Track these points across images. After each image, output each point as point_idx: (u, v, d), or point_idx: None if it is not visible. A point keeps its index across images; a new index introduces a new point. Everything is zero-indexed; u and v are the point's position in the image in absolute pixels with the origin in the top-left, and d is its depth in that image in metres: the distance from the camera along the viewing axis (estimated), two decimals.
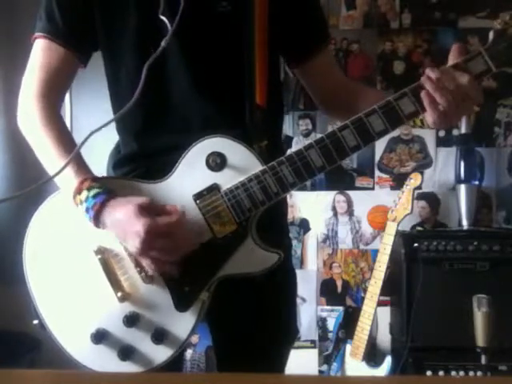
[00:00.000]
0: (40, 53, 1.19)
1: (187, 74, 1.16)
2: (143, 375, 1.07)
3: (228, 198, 1.09)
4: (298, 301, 2.84)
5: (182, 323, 1.11)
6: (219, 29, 1.17)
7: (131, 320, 1.11)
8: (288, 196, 3.05)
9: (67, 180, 1.11)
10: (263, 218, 1.12)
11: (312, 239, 2.87)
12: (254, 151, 1.10)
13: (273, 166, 1.09)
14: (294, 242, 2.85)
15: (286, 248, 1.14)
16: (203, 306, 1.11)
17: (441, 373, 2.37)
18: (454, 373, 2.38)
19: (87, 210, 1.07)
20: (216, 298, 1.13)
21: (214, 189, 1.10)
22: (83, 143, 1.02)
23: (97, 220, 1.07)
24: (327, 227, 2.87)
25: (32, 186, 0.91)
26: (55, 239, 1.17)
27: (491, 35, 1.07)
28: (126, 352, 1.12)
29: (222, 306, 1.14)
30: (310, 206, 2.86)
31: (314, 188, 2.85)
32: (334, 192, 2.85)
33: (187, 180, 1.11)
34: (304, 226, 2.87)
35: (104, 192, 1.08)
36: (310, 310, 2.85)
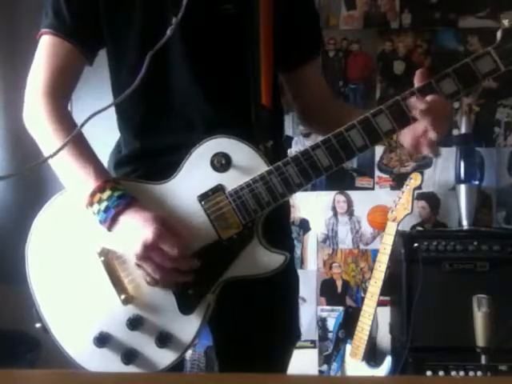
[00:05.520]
0: (46, 49, 1.17)
1: (191, 74, 1.16)
2: (143, 375, 1.06)
3: (233, 198, 1.09)
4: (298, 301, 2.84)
5: (187, 326, 1.10)
6: (224, 31, 1.17)
7: (135, 323, 1.10)
8: None
9: (79, 179, 1.10)
10: (266, 219, 1.12)
11: (312, 239, 2.87)
12: (259, 151, 1.09)
13: (278, 167, 1.08)
14: (294, 242, 2.84)
15: (289, 250, 1.14)
16: (208, 308, 1.10)
17: (441, 373, 2.37)
18: (454, 373, 2.37)
19: (106, 209, 1.06)
20: (217, 298, 1.12)
21: (218, 190, 1.09)
22: (82, 125, 1.00)
23: (114, 220, 1.07)
24: (327, 227, 2.87)
25: (27, 166, 0.90)
26: (58, 240, 1.16)
27: (499, 34, 1.05)
28: (130, 356, 1.10)
29: (223, 306, 1.13)
30: (310, 205, 2.86)
31: (314, 188, 2.84)
32: (334, 192, 2.85)
33: (192, 181, 1.11)
34: (304, 226, 2.87)
35: (128, 195, 1.09)
36: (310, 310, 2.85)
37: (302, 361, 2.79)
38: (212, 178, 1.10)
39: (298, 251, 2.85)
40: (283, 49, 1.24)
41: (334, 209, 2.86)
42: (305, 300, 2.84)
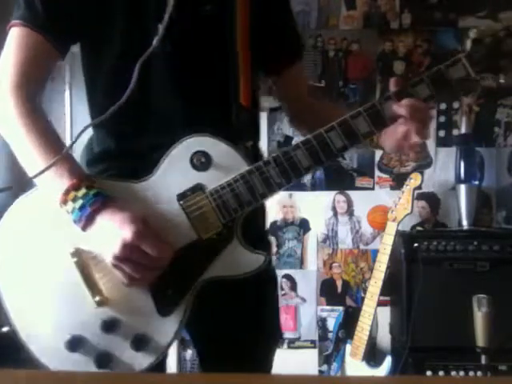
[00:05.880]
0: (15, 40, 1.12)
1: (170, 74, 1.14)
2: (140, 375, 1.04)
3: (213, 198, 1.07)
4: (298, 301, 2.85)
5: (164, 328, 1.07)
6: (204, 31, 1.16)
7: (109, 326, 1.07)
8: (288, 196, 3.03)
9: (52, 177, 1.05)
10: (244, 220, 1.10)
11: (312, 239, 2.87)
12: (239, 151, 1.08)
13: (259, 166, 1.07)
14: (294, 242, 2.85)
15: (266, 250, 1.12)
16: (186, 309, 1.08)
17: (441, 373, 2.38)
18: (454, 373, 2.38)
19: (81, 207, 1.03)
20: (195, 299, 1.09)
21: (198, 189, 1.07)
22: (75, 141, 0.99)
23: (90, 219, 1.03)
24: (327, 227, 2.87)
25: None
26: (27, 240, 1.11)
27: (469, 44, 1.10)
28: (104, 359, 1.06)
29: (202, 306, 1.11)
30: (310, 205, 2.86)
31: (314, 188, 2.85)
32: (334, 192, 2.85)
33: (170, 179, 1.08)
34: (304, 226, 2.87)
35: (105, 193, 1.06)
36: (310, 310, 2.85)
37: (302, 361, 2.80)
38: (191, 177, 1.07)
39: (298, 251, 2.85)
40: (266, 53, 1.24)
41: (334, 209, 2.86)
42: (305, 300, 2.85)
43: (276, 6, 1.28)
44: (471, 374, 2.35)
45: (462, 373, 2.37)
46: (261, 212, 1.27)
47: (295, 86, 1.37)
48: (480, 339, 2.16)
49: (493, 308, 2.14)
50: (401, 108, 1.07)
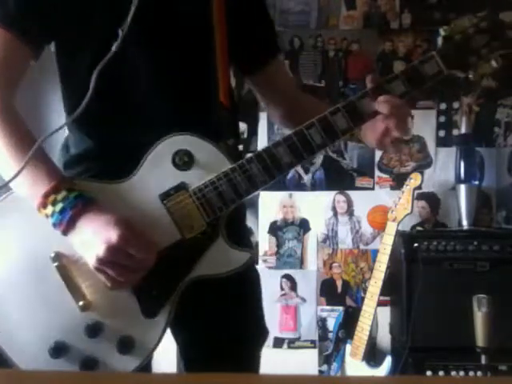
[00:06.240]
0: None
1: (150, 74, 1.14)
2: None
3: (197, 196, 1.06)
4: (298, 301, 2.84)
5: (150, 330, 1.07)
6: (182, 31, 1.16)
7: (94, 330, 1.05)
8: (288, 196, 3.03)
9: (30, 180, 1.03)
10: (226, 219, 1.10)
11: (312, 239, 2.87)
12: (221, 149, 1.08)
13: (242, 164, 1.07)
14: (294, 242, 2.85)
15: (248, 246, 1.13)
16: (171, 310, 1.07)
17: (441, 373, 2.37)
18: (454, 373, 2.38)
19: (62, 211, 1.01)
20: (179, 300, 1.09)
21: (181, 188, 1.07)
22: (41, 142, 0.98)
23: (70, 223, 1.01)
24: (327, 227, 2.86)
25: None
26: (5, 246, 1.08)
27: (439, 41, 1.12)
28: (89, 365, 1.05)
29: (184, 306, 1.10)
30: (310, 205, 2.86)
31: (314, 188, 2.85)
32: (334, 192, 2.85)
33: (152, 179, 1.07)
34: (304, 226, 2.87)
35: (85, 196, 1.04)
36: (310, 310, 2.85)
37: (302, 361, 2.80)
38: (174, 176, 1.07)
39: (298, 251, 2.85)
40: (242, 52, 1.24)
41: (334, 209, 2.86)
42: (305, 300, 2.85)
43: (248, 5, 1.27)
44: (471, 373, 2.35)
45: (462, 373, 2.37)
46: (240, 209, 1.26)
47: (275, 84, 1.36)
48: (480, 339, 2.16)
49: (493, 308, 2.14)
50: (378, 104, 1.09)
